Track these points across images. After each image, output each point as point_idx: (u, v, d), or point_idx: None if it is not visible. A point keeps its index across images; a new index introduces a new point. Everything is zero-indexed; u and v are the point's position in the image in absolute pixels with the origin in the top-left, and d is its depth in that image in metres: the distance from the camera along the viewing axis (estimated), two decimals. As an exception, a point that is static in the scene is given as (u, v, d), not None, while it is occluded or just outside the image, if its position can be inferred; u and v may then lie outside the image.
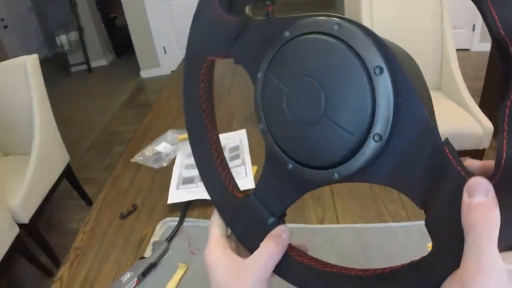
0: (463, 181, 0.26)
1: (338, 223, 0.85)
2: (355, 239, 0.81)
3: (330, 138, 0.31)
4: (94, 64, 5.21)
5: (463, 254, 0.26)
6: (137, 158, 1.16)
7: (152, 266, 0.80)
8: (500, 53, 0.28)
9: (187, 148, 1.18)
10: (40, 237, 1.93)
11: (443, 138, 0.29)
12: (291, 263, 0.39)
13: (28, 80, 1.89)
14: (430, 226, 0.29)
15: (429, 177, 0.29)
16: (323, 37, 0.31)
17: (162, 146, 1.17)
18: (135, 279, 0.76)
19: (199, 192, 0.95)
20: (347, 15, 2.49)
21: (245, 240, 0.43)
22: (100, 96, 4.35)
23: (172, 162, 1.13)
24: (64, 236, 2.24)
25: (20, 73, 1.90)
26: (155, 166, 1.13)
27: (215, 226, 0.44)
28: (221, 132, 1.24)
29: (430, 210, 0.29)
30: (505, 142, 0.26)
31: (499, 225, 0.25)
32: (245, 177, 0.85)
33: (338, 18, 0.31)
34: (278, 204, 0.40)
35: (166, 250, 0.84)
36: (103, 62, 5.35)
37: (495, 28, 0.27)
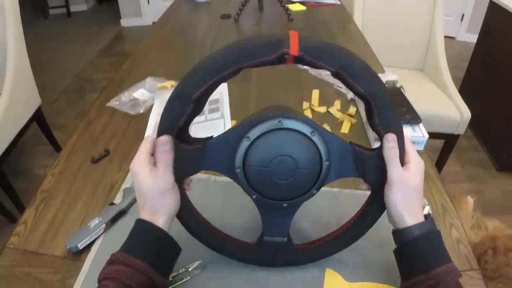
0: (369, 154, 0.55)
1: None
2: (330, 203, 0.81)
3: (301, 179, 0.53)
4: (73, 8, 4.96)
5: (388, 173, 0.54)
6: (113, 103, 1.11)
7: (122, 213, 0.77)
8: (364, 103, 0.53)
9: (166, 96, 1.12)
10: (5, 180, 1.86)
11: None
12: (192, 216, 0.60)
13: (5, 19, 1.77)
14: (368, 181, 0.57)
15: (358, 165, 0.55)
16: (276, 131, 0.52)
17: (140, 93, 1.13)
18: (103, 225, 0.74)
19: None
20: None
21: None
22: (77, 41, 4.17)
23: (149, 109, 1.09)
24: (29, 182, 2.18)
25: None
26: (131, 112, 1.09)
27: (148, 143, 0.55)
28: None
29: (366, 175, 0.56)
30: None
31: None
32: (223, 130, 0.83)
33: (279, 117, 0.51)
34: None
35: (137, 197, 0.81)
36: (83, 7, 5.10)
37: (357, 89, 0.51)
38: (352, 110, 1.10)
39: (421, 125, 1.01)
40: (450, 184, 2.23)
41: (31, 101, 2.08)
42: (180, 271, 0.66)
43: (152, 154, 0.55)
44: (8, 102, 1.79)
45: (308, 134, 0.52)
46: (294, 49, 0.48)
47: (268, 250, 0.62)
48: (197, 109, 0.55)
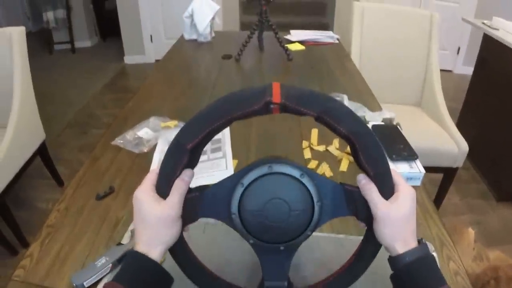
0: (358, 192, 0.56)
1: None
2: (336, 250, 0.83)
3: (295, 221, 0.55)
4: (78, 44, 5.09)
5: (371, 210, 0.55)
6: (118, 141, 1.15)
7: (128, 252, 0.79)
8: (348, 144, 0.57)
9: (169, 135, 1.17)
10: (8, 213, 1.88)
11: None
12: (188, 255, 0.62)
13: (12, 51, 1.84)
14: (360, 218, 0.58)
15: (349, 203, 0.57)
16: (267, 176, 0.55)
17: (144, 132, 1.16)
18: (110, 264, 0.75)
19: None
20: (337, 23, 2.52)
21: None
22: (81, 77, 4.26)
23: (153, 148, 1.13)
24: (31, 215, 2.19)
25: (4, 43, 1.84)
26: (135, 150, 1.12)
27: (155, 174, 0.57)
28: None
29: (358, 213, 0.58)
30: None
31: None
32: (225, 169, 0.85)
33: (270, 163, 0.55)
34: None
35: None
36: (87, 43, 5.23)
37: (340, 130, 0.54)
38: (343, 167, 1.12)
39: (417, 161, 1.04)
40: (450, 216, 2.24)
41: (36, 134, 2.12)
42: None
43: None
44: (14, 135, 1.82)
45: (298, 176, 0.55)
46: (276, 98, 0.52)
47: None
48: (193, 159, 0.58)
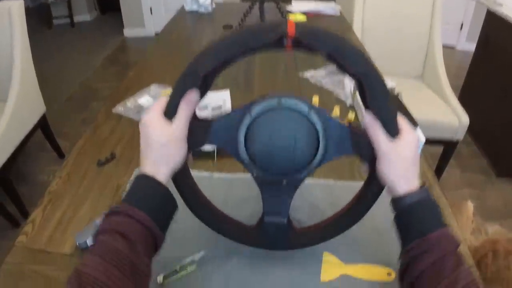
0: (364, 132, 0.57)
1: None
2: (326, 194, 0.85)
3: (300, 154, 0.56)
4: (77, 18, 5.03)
5: (374, 146, 0.56)
6: (119, 109, 1.14)
7: (129, 211, 0.80)
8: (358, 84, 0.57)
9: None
10: (10, 186, 1.89)
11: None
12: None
13: (12, 24, 1.82)
14: (364, 158, 0.59)
15: (355, 143, 0.58)
16: (275, 110, 0.55)
17: (145, 99, 1.16)
18: (111, 222, 0.76)
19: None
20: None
21: None
22: (81, 51, 4.22)
23: (154, 115, 1.12)
24: (33, 188, 2.20)
25: (3, 16, 1.82)
26: (136, 118, 1.12)
27: (163, 102, 0.57)
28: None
29: (362, 152, 0.58)
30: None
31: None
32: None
33: (279, 97, 0.55)
34: None
35: (143, 197, 0.84)
36: (86, 17, 5.16)
37: (349, 69, 0.54)
38: (351, 115, 1.11)
39: (418, 129, 1.04)
40: (450, 190, 2.25)
41: (36, 108, 2.11)
42: (187, 260, 0.69)
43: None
44: (14, 109, 1.82)
45: (305, 112, 0.56)
46: (291, 32, 0.52)
47: (268, 232, 0.63)
48: (204, 88, 0.58)
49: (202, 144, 0.59)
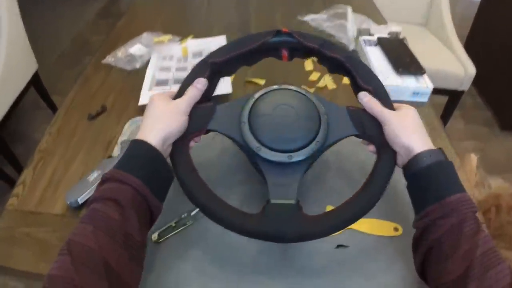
0: (363, 110, 0.60)
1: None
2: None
3: (303, 127, 0.57)
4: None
5: (379, 118, 0.58)
6: (109, 59, 1.08)
7: (120, 165, 0.76)
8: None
9: (162, 50, 1.11)
10: (5, 146, 1.85)
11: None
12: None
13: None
14: (369, 135, 0.59)
15: (356, 122, 0.59)
16: (277, 90, 0.61)
17: (136, 48, 1.09)
18: (102, 178, 0.72)
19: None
20: None
21: None
22: (73, 4, 4.05)
23: (146, 64, 1.07)
24: (29, 146, 2.16)
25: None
26: (127, 67, 1.06)
27: (171, 92, 0.62)
28: (201, 37, 1.17)
29: (366, 130, 0.59)
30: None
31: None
32: (222, 81, 0.81)
33: (280, 84, 0.62)
34: None
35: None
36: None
37: (338, 58, 0.64)
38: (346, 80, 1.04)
39: (425, 76, 0.98)
40: (453, 142, 2.19)
41: (28, 65, 2.03)
42: (183, 216, 0.66)
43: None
44: (4, 68, 1.75)
45: (304, 93, 0.61)
46: (285, 30, 0.65)
47: (275, 219, 0.53)
48: (215, 77, 0.66)
49: (204, 128, 0.59)
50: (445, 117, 2.05)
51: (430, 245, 0.49)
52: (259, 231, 0.52)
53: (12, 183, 1.88)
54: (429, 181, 0.52)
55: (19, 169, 1.92)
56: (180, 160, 0.57)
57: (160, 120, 0.55)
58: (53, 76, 2.68)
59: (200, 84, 0.60)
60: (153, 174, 0.52)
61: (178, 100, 0.58)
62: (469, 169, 1.65)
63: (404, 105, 0.59)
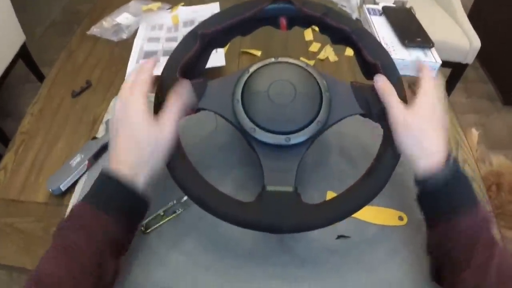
0: (369, 86, 0.54)
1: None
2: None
3: (301, 105, 0.51)
4: None
5: (388, 115, 0.50)
6: (94, 30, 1.01)
7: (105, 147, 0.70)
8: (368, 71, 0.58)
9: (151, 19, 1.03)
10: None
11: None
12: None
13: None
14: (375, 116, 0.53)
15: (360, 101, 0.53)
16: (273, 64, 0.55)
17: (123, 17, 1.02)
18: (86, 162, 0.67)
19: (162, 67, 0.83)
20: None
21: None
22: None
23: (134, 34, 0.99)
24: (20, 122, 2.10)
25: None
26: (114, 38, 0.99)
27: (147, 75, 0.50)
28: (193, 5, 1.09)
29: (371, 109, 0.53)
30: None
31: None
32: (215, 53, 0.74)
33: (276, 57, 0.56)
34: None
35: (121, 129, 0.74)
36: None
37: (344, 29, 0.57)
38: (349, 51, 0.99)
39: (433, 49, 0.92)
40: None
41: (14, 38, 1.94)
42: (172, 203, 0.61)
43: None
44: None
45: (304, 66, 0.54)
46: None
47: (271, 208, 0.48)
48: (206, 50, 0.60)
49: (194, 108, 0.53)
50: (447, 90, 2.00)
51: (446, 253, 0.47)
52: (253, 221, 0.48)
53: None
54: (437, 202, 0.48)
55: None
56: (178, 168, 0.51)
57: (148, 156, 0.47)
58: (43, 47, 2.59)
59: (185, 91, 0.51)
60: (132, 213, 0.48)
61: (167, 124, 0.48)
62: (469, 145, 1.61)
63: (425, 90, 0.50)
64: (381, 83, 0.51)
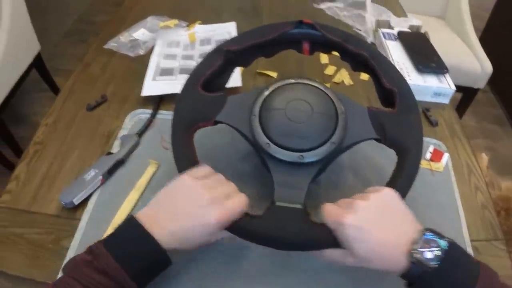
0: (386, 112, 0.56)
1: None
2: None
3: (317, 124, 0.52)
4: None
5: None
6: (111, 44, 1.02)
7: (120, 162, 0.71)
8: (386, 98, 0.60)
9: (168, 36, 1.04)
10: (5, 129, 1.80)
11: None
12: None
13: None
14: (389, 141, 0.54)
15: (376, 125, 0.54)
16: (293, 84, 0.56)
17: (140, 33, 1.03)
18: (100, 177, 0.67)
19: (178, 85, 0.83)
20: None
21: None
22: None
23: (150, 50, 1.00)
24: (30, 130, 2.11)
25: None
26: (131, 53, 0.99)
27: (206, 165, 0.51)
28: (210, 23, 1.10)
29: (387, 135, 0.54)
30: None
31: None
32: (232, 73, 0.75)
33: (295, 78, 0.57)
34: None
35: (136, 145, 0.74)
36: None
37: (363, 54, 0.59)
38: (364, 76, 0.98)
39: (447, 75, 0.92)
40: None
41: (30, 46, 1.97)
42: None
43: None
44: (6, 49, 1.68)
45: (322, 88, 0.56)
46: (307, 21, 0.60)
47: (277, 223, 0.48)
48: (229, 67, 0.62)
49: (210, 119, 0.55)
50: (457, 114, 1.99)
51: None
52: (258, 234, 0.47)
53: (11, 166, 1.83)
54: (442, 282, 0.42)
55: (18, 153, 1.88)
56: (183, 154, 0.53)
57: (192, 235, 0.46)
58: (57, 57, 2.62)
59: (245, 200, 0.48)
60: (151, 273, 0.47)
61: (220, 231, 0.47)
62: (482, 170, 1.60)
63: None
64: (327, 207, 0.47)
